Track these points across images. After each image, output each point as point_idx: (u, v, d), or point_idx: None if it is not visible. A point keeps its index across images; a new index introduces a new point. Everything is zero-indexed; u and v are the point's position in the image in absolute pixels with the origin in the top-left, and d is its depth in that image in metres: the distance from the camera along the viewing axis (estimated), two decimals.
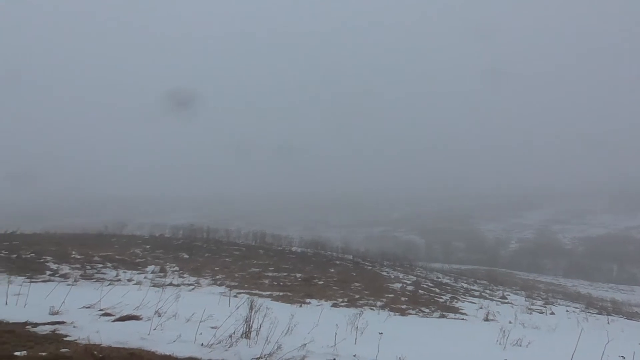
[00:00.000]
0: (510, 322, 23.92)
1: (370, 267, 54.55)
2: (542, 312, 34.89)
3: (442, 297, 39.05)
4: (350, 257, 61.96)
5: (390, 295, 34.27)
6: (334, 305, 26.52)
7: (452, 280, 58.03)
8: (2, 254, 27.77)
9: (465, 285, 53.88)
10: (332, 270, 45.34)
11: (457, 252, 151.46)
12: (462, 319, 27.08)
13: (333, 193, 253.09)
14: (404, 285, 42.51)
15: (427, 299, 36.40)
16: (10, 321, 10.55)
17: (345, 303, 27.83)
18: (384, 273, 51.12)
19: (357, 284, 37.55)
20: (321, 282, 36.16)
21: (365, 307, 25.76)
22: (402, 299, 33.90)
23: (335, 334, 11.13)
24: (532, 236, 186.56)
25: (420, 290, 40.27)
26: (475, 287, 53.43)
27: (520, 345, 14.24)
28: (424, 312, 29.08)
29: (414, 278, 50.05)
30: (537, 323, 26.23)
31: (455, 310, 31.42)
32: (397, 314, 25.51)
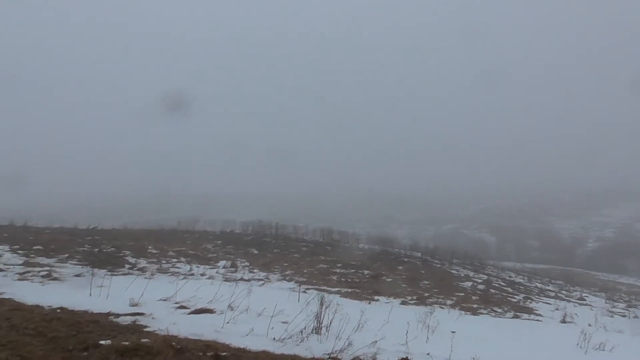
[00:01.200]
0: (590, 325, 22.76)
1: (439, 265, 53.63)
2: (624, 316, 33.06)
3: (515, 296, 37.85)
4: (419, 254, 61.14)
5: (460, 294, 33.57)
6: (403, 302, 26.27)
7: (526, 280, 56.13)
8: (85, 248, 29.35)
9: (539, 285, 51.97)
10: (401, 267, 44.91)
11: (531, 251, 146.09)
12: (537, 320, 26.11)
13: (400, 190, 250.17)
14: (475, 284, 41.52)
15: (499, 298, 35.39)
16: (95, 311, 11.11)
17: (414, 301, 27.50)
18: (454, 271, 50.11)
19: (426, 282, 37.03)
20: (389, 280, 35.92)
21: (435, 306, 25.33)
22: (473, 297, 33.13)
23: (407, 331, 10.97)
24: (612, 235, 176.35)
25: (491, 290, 39.20)
26: (550, 288, 51.43)
27: (604, 350, 13.49)
28: (496, 311, 28.29)
29: (485, 277, 48.76)
30: (621, 326, 24.82)
31: (530, 311, 30.37)
32: (468, 313, 24.95)
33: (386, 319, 13.20)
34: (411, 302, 27.02)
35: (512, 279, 54.42)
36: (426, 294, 31.09)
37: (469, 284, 40.81)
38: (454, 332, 11.59)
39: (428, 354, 9.94)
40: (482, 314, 26.42)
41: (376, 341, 10.09)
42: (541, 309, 31.89)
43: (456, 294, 33.50)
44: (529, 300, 36.74)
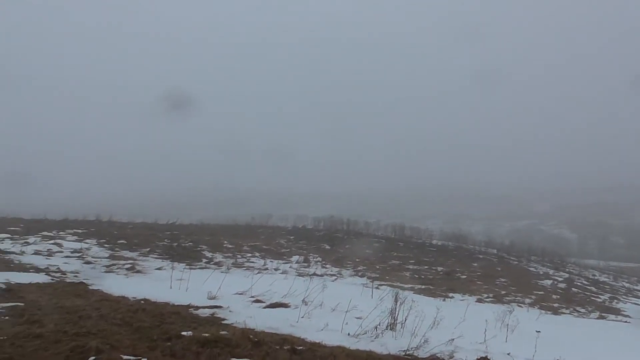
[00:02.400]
0: None
1: (516, 262, 51.87)
2: None
3: (600, 296, 36.02)
4: (494, 251, 59.36)
5: (539, 292, 32.33)
6: (479, 300, 25.61)
7: (611, 279, 53.24)
8: (165, 243, 30.60)
9: (627, 285, 49.16)
10: (475, 264, 43.78)
11: (615, 249, 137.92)
12: (626, 322, 24.70)
13: (472, 185, 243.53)
14: (555, 282, 39.83)
15: (582, 297, 33.79)
16: (176, 303, 11.55)
17: (490, 299, 26.75)
18: (532, 269, 48.29)
19: (502, 279, 35.91)
20: (464, 277, 35.11)
21: (513, 304, 24.47)
22: (554, 296, 31.83)
23: (485, 330, 10.64)
24: None
25: (573, 289, 37.48)
26: (639, 288, 48.48)
27: None
28: (579, 312, 27.03)
29: (566, 275, 46.64)
30: None
31: (617, 312, 28.80)
32: (549, 312, 23.96)
33: (462, 317, 12.90)
34: (487, 299, 26.29)
35: (595, 277, 51.77)
36: (503, 292, 30.15)
37: (549, 282, 39.19)
38: (539, 331, 11.08)
39: (508, 354, 9.60)
40: (564, 313, 25.32)
41: (453, 339, 9.86)
42: (629, 310, 30.15)
43: (535, 292, 32.27)
44: (616, 301, 34.83)
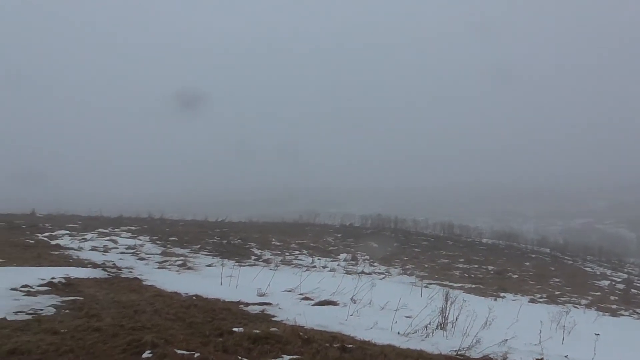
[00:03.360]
0: None
1: (570, 262, 50.20)
2: None
3: None
4: (547, 250, 57.63)
5: (596, 293, 31.16)
6: (532, 300, 24.90)
7: None
8: (215, 240, 31.16)
9: None
10: (527, 263, 42.64)
11: None
12: None
13: (524, 183, 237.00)
14: (613, 282, 38.30)
15: None
16: (226, 300, 11.74)
17: (544, 299, 25.97)
18: (588, 269, 46.62)
19: (556, 279, 34.83)
20: (515, 276, 34.23)
21: (568, 305, 23.66)
22: (612, 297, 30.61)
23: (540, 331, 10.33)
24: None
25: (632, 289, 35.92)
26: None
27: None
28: (639, 314, 25.88)
29: (625, 275, 44.75)
30: None
31: None
32: (606, 314, 23.04)
33: (515, 317, 12.55)
34: (540, 300, 25.52)
35: None
36: (557, 292, 29.21)
37: (606, 282, 37.72)
38: (598, 334, 10.67)
39: (566, 356, 9.28)
40: (623, 315, 24.30)
41: (506, 340, 9.62)
42: None
43: (591, 293, 31.12)
44: None
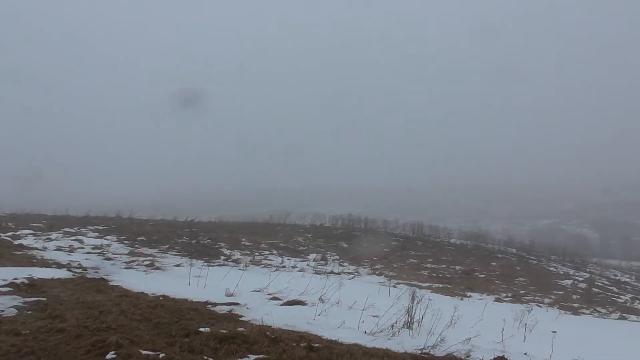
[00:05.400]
0: None
1: (536, 262, 51.36)
2: None
3: (622, 297, 35.52)
4: (514, 250, 58.81)
5: (559, 292, 32.01)
6: (497, 299, 25.45)
7: (634, 279, 52.43)
8: (184, 240, 30.89)
9: None
10: (494, 263, 43.45)
11: (638, 249, 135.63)
12: None
13: (493, 185, 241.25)
14: (575, 282, 39.36)
15: (603, 298, 33.37)
16: (194, 300, 11.69)
17: (509, 298, 26.56)
18: (552, 268, 47.78)
19: (521, 279, 35.61)
20: (482, 276, 34.88)
21: (532, 304, 24.25)
22: (574, 296, 31.49)
23: (502, 329, 10.58)
24: None
25: (594, 289, 36.98)
26: None
27: None
28: (600, 312, 26.72)
29: (587, 275, 46.06)
30: None
31: (638, 312, 28.36)
32: (568, 312, 23.71)
33: (480, 316, 12.82)
34: (506, 299, 26.10)
35: (617, 277, 51.04)
36: (522, 292, 29.91)
37: (569, 282, 38.73)
38: (555, 331, 11.01)
39: (525, 353, 9.54)
40: (584, 314, 25.04)
41: (470, 338, 9.82)
42: None
43: (555, 292, 31.95)
44: (637, 301, 34.29)
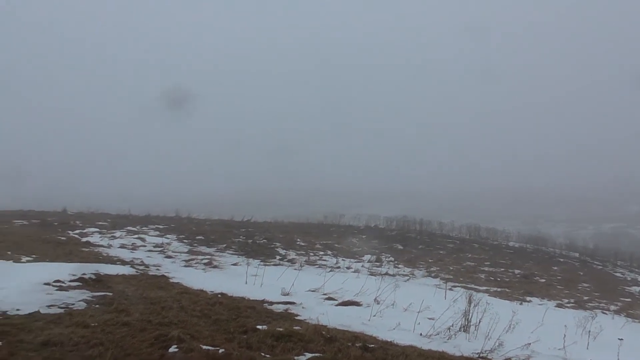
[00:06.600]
0: None
1: (600, 267, 49.26)
2: None
3: None
4: (576, 254, 56.58)
5: (626, 300, 30.55)
6: (559, 305, 24.57)
7: None
8: (240, 239, 31.47)
9: None
10: (555, 268, 41.98)
11: None
12: None
13: (553, 186, 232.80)
14: None
15: None
16: (251, 298, 11.93)
17: (571, 304, 25.60)
18: (618, 274, 45.67)
19: (585, 285, 34.23)
20: (543, 280, 33.77)
21: (596, 311, 23.26)
22: None
23: (564, 335, 10.24)
24: None
25: None
26: None
27: None
28: None
29: None
30: None
31: None
32: (636, 321, 22.58)
33: (540, 321, 12.48)
34: (568, 305, 25.16)
35: None
36: (585, 297, 28.76)
37: (638, 289, 36.92)
38: (622, 339, 10.56)
39: None
40: None
41: (530, 343, 9.59)
42: None
43: (621, 299, 30.52)
44: None
